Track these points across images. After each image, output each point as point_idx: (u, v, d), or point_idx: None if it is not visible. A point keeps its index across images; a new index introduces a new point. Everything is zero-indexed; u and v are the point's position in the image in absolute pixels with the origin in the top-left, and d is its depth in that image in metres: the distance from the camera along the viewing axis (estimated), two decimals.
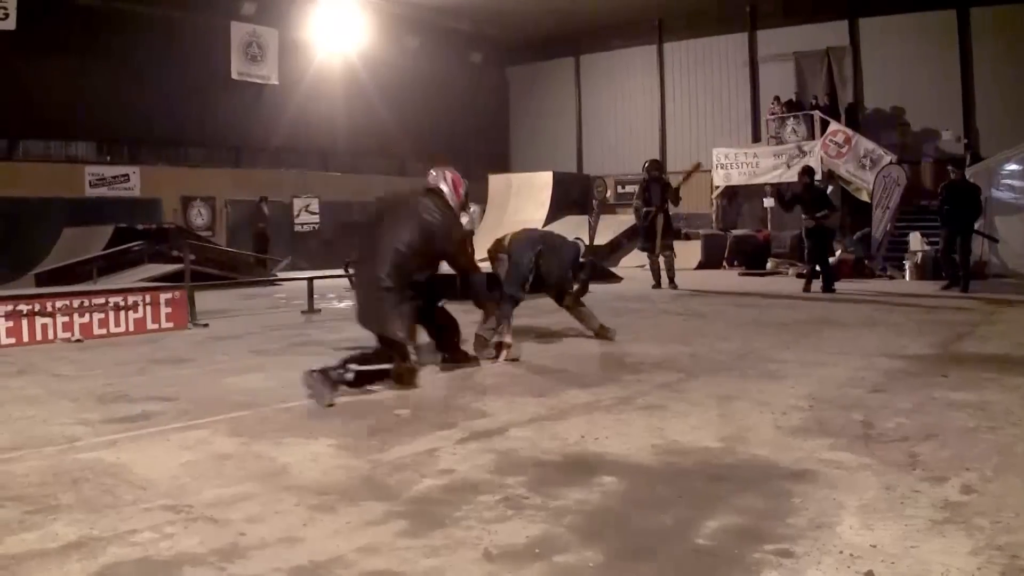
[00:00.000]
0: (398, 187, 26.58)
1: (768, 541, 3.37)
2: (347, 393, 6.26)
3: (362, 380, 6.24)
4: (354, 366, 6.14)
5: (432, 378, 7.05)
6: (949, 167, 16.67)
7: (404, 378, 6.47)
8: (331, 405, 5.92)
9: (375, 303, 6.44)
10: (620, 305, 12.45)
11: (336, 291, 15.95)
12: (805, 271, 15.95)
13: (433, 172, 7.20)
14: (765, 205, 23.20)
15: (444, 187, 7.05)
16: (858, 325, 10.48)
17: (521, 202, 26.40)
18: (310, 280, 13.25)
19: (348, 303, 14.28)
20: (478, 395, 6.40)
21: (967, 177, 16.74)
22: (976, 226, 16.12)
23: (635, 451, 4.72)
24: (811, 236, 15.38)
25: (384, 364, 6.31)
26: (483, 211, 28.13)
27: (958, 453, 4.50)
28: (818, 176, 21.27)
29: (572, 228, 20.09)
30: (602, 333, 9.20)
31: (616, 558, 3.26)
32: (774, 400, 5.89)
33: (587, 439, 4.98)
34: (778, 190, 16.97)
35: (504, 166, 31.46)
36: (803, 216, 15.53)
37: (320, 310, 12.82)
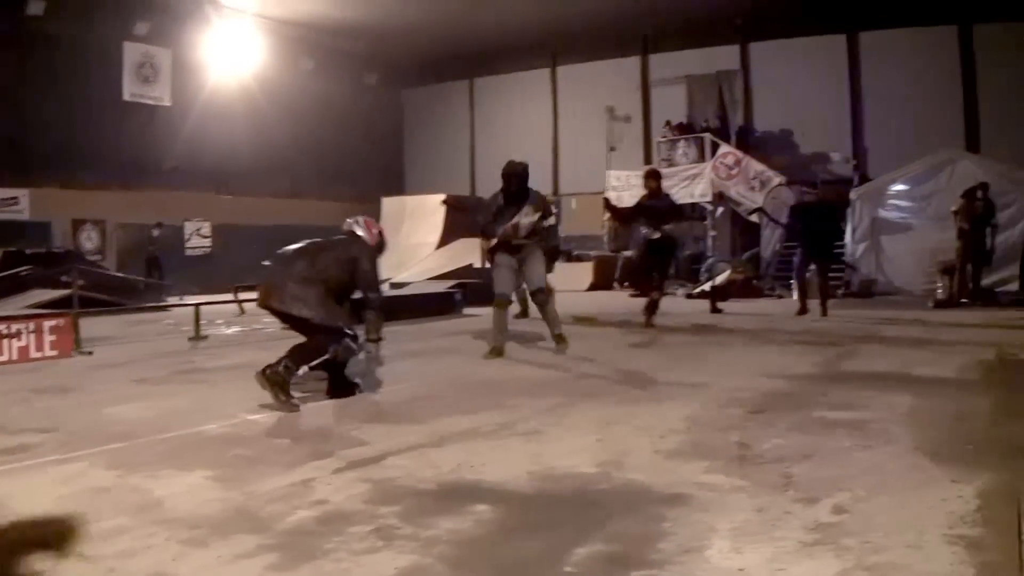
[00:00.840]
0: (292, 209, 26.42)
1: (636, 567, 3.33)
2: (225, 422, 6.20)
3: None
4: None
5: (313, 407, 6.96)
6: (804, 188, 17.06)
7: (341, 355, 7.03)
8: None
9: (298, 289, 7.04)
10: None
11: (225, 317, 15.67)
12: (651, 297, 13.32)
13: (349, 220, 7.84)
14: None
15: (360, 231, 7.66)
16: (742, 345, 10.68)
17: (415, 224, 26.33)
18: (196, 307, 12.97)
19: (236, 329, 14.09)
20: (358, 423, 6.27)
21: (852, 196, 17.19)
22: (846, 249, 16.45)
23: (511, 478, 4.66)
24: (654, 251, 13.08)
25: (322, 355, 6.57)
26: None
27: (832, 473, 4.54)
28: (708, 197, 21.70)
29: (468, 251, 20.15)
30: (560, 341, 9.92)
31: None
32: (653, 423, 5.89)
33: (464, 467, 4.91)
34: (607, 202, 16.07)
35: (399, 188, 31.41)
36: (643, 229, 13.15)
37: (207, 336, 12.55)
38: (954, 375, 8.00)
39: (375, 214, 26.75)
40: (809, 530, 3.67)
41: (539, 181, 17.29)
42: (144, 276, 21.98)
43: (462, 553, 3.55)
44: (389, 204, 28.16)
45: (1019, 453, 4.89)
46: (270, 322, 14.90)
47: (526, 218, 9.61)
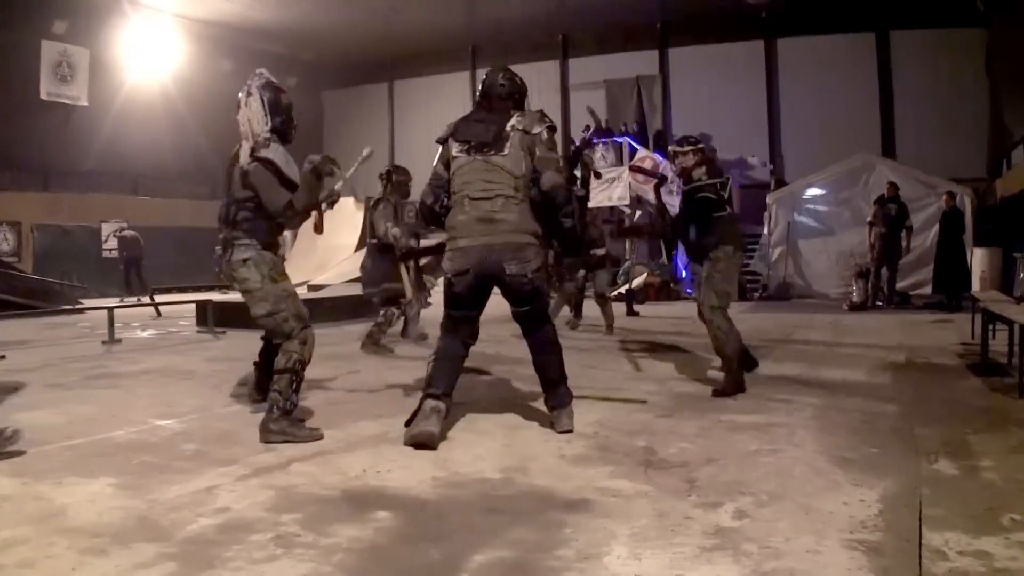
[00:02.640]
0: (210, 212, 26.19)
1: (534, 574, 3.32)
2: (133, 428, 6.11)
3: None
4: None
5: (224, 412, 6.90)
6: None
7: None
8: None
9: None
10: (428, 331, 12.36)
11: (141, 320, 15.38)
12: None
13: None
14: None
15: None
16: (655, 348, 10.75)
17: (335, 226, 26.07)
18: (110, 310, 12.70)
19: (151, 332, 13.87)
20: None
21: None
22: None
23: (416, 484, 4.63)
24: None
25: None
26: (295, 236, 27.81)
27: (736, 478, 4.56)
28: (626, 200, 21.83)
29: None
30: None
31: None
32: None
33: (369, 473, 4.87)
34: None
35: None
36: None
37: (121, 340, 12.28)
38: (864, 378, 8.14)
39: None
40: (709, 535, 3.69)
41: None
42: (124, 279, 21.84)
43: (361, 561, 3.53)
44: None
45: (923, 457, 4.96)
46: (186, 324, 14.73)
47: None
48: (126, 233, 22.96)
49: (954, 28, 23.34)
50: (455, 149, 5.86)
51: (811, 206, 20.98)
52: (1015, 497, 4.15)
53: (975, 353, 9.20)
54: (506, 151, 5.70)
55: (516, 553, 3.55)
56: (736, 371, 7.25)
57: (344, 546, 3.68)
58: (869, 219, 17.39)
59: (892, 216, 16.87)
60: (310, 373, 8.34)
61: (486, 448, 5.40)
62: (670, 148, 8.41)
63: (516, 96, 6.06)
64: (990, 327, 9.14)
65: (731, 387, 7.16)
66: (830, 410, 6.47)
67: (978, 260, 17.79)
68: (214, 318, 13.50)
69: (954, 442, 5.35)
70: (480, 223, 5.64)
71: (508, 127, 5.77)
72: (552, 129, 5.86)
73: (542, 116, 5.91)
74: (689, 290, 19.99)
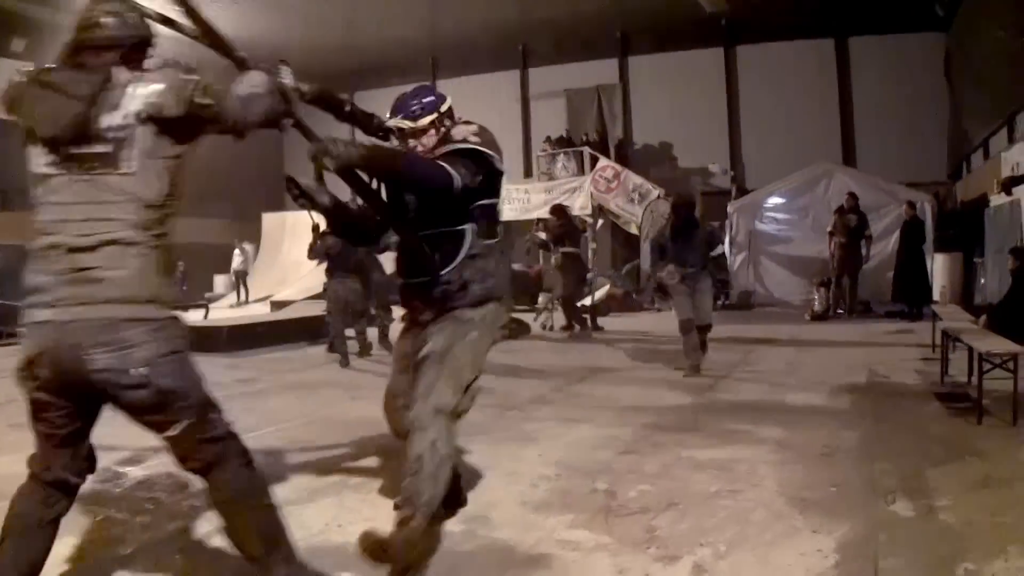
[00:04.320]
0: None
1: None
2: (94, 476, 5.97)
3: None
4: None
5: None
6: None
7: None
8: None
9: None
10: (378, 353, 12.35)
11: None
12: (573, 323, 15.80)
13: None
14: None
15: None
16: (618, 371, 10.81)
17: (296, 241, 26.03)
18: None
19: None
20: None
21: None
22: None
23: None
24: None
25: None
26: (256, 250, 27.70)
27: (696, 524, 4.63)
28: (587, 210, 21.91)
29: None
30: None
31: None
32: (523, 469, 5.93)
33: (331, 527, 4.85)
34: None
35: (279, 205, 30.97)
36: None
37: None
38: (825, 402, 8.25)
39: (256, 231, 26.60)
40: None
41: None
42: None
43: None
44: (270, 220, 27.87)
45: (880, 495, 5.06)
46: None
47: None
48: None
49: (913, 33, 23.55)
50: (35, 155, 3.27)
51: (772, 214, 21.20)
52: (970, 542, 4.24)
53: (935, 372, 9.32)
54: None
55: None
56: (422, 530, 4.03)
57: None
58: (829, 229, 17.58)
59: (852, 226, 17.07)
60: (275, 404, 8.32)
61: (448, 494, 5.40)
62: None
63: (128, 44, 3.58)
64: (950, 344, 9.29)
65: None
66: (791, 442, 6.54)
67: (939, 266, 18.04)
68: None
69: (912, 476, 5.46)
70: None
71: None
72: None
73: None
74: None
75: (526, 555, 4.30)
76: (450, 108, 4.60)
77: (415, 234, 4.26)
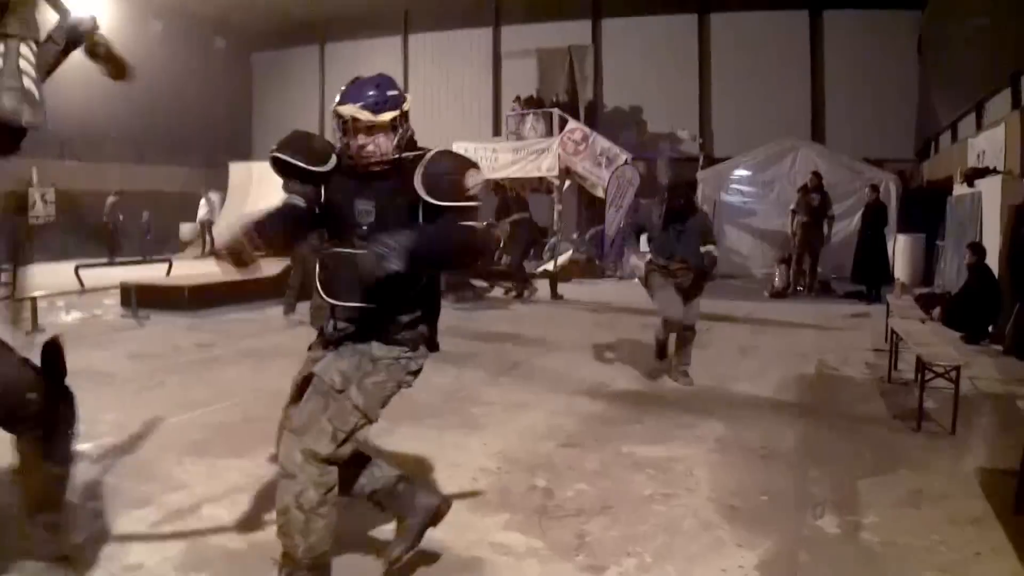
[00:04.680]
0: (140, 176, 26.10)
1: None
2: None
3: None
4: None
5: (137, 431, 6.79)
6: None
7: None
8: None
9: None
10: None
11: (67, 299, 14.68)
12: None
13: None
14: None
15: None
16: (573, 348, 10.92)
17: (264, 191, 25.81)
18: (34, 300, 12.02)
19: (76, 315, 13.51)
20: (179, 456, 6.14)
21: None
22: None
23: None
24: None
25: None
26: (223, 200, 27.52)
27: (626, 531, 4.76)
28: (555, 172, 21.96)
29: None
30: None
31: None
32: (466, 460, 6.05)
33: (270, 519, 4.86)
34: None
35: (247, 154, 30.84)
36: None
37: (44, 329, 11.01)
38: (770, 394, 8.41)
39: (223, 180, 26.49)
40: None
41: None
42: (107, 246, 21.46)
43: None
44: (237, 170, 27.70)
45: (807, 504, 5.22)
46: (111, 304, 14.39)
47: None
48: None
49: (888, 9, 23.66)
50: None
51: (738, 186, 21.39)
52: (887, 567, 4.38)
53: (884, 366, 9.43)
54: None
55: None
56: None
57: None
58: (792, 207, 17.70)
59: (814, 206, 17.18)
60: (230, 375, 8.35)
61: None
62: None
63: None
64: (899, 340, 9.42)
65: None
66: (730, 441, 6.69)
67: (901, 247, 18.26)
68: (137, 301, 13.20)
69: (843, 487, 5.60)
70: None
71: None
72: None
73: None
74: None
75: (460, 558, 4.40)
76: (408, 109, 3.93)
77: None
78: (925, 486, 5.61)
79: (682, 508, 5.14)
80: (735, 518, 4.97)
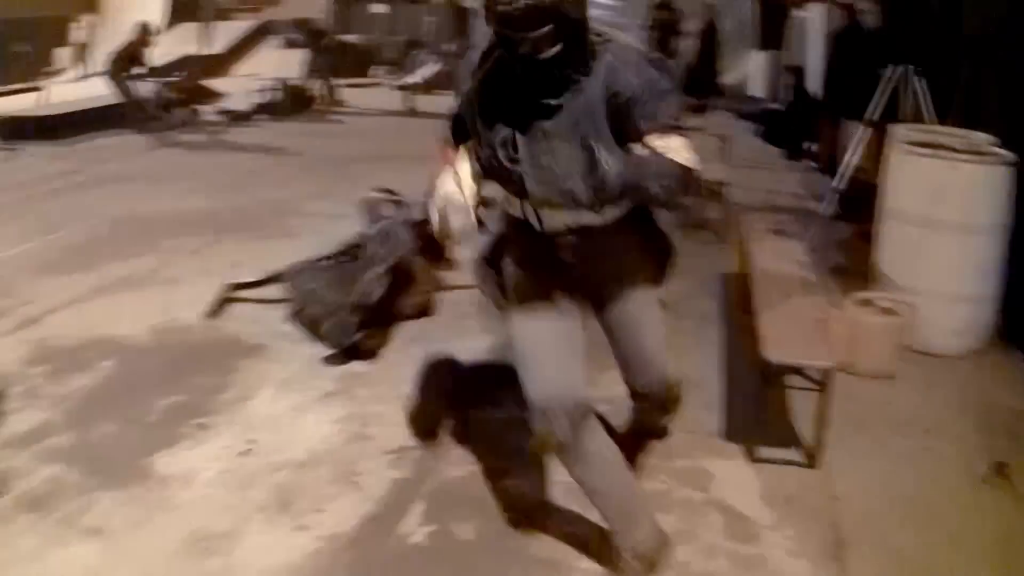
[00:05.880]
0: None
1: (195, 416, 4.59)
2: None
3: None
4: None
5: (2, 256, 7.41)
6: None
7: None
8: None
9: None
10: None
11: None
12: None
13: None
14: None
15: None
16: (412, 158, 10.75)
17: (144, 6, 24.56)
18: None
19: None
20: (32, 277, 6.88)
21: None
22: None
23: (137, 332, 5.70)
24: None
25: None
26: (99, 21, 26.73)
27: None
28: None
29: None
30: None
31: (80, 444, 4.33)
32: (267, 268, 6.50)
33: (105, 321, 5.87)
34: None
35: None
36: None
37: None
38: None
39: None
40: (335, 380, 5.02)
41: None
42: None
43: (81, 409, 4.67)
44: None
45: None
46: None
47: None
48: None
49: None
50: None
51: None
52: None
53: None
54: None
55: (191, 397, 4.83)
56: None
57: (73, 396, 4.82)
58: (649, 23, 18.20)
59: (664, 21, 17.77)
60: (77, 202, 8.95)
61: (206, 290, 6.27)
62: None
63: None
64: None
65: None
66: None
67: (756, 64, 19.01)
68: (8, 132, 12.99)
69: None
70: None
71: None
72: None
73: None
74: None
75: (246, 344, 5.49)
76: None
77: None
78: None
79: None
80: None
